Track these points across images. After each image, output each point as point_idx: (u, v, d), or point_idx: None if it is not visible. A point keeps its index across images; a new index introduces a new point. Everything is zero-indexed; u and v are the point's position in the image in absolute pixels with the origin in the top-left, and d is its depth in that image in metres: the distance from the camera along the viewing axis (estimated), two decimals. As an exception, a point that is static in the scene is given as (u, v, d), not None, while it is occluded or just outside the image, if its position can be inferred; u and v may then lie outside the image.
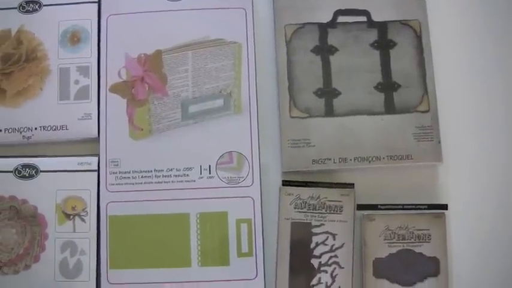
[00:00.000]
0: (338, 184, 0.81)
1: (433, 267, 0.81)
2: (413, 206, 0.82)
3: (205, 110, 0.84)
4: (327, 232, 0.80)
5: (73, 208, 0.82)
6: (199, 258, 0.81)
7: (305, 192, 0.81)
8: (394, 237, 0.81)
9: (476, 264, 0.83)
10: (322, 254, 0.80)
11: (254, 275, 0.80)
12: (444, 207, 0.82)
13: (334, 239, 0.80)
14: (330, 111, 0.83)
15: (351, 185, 0.81)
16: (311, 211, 0.80)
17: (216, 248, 0.81)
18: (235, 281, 0.80)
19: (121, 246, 0.81)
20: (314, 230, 0.80)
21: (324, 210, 0.80)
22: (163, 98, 0.84)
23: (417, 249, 0.81)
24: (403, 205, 0.82)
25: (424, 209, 0.82)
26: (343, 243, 0.80)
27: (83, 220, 0.82)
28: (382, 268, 0.81)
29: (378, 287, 0.80)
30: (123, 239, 0.81)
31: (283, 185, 0.81)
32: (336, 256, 0.80)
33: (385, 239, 0.81)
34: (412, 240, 0.81)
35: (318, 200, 0.80)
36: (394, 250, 0.81)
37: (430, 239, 0.81)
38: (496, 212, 0.84)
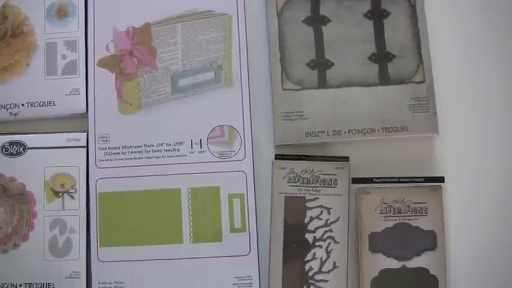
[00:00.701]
0: (332, 157, 0.80)
1: (430, 241, 0.79)
2: (410, 179, 0.81)
3: (196, 84, 0.82)
4: (321, 206, 0.79)
5: (62, 185, 0.81)
6: (191, 234, 0.79)
7: (299, 166, 0.79)
8: (390, 211, 0.79)
9: (474, 237, 0.81)
10: (316, 228, 0.78)
11: (247, 251, 0.79)
12: (441, 179, 0.81)
13: (329, 213, 0.78)
14: (323, 83, 0.82)
15: (345, 158, 0.80)
16: (305, 185, 0.79)
17: (208, 223, 0.79)
18: (228, 257, 0.79)
19: (111, 224, 0.80)
20: (308, 204, 0.79)
21: (318, 184, 0.79)
22: (153, 71, 0.82)
23: (414, 223, 0.79)
24: (398, 178, 0.81)
25: (421, 182, 0.81)
26: (338, 218, 0.78)
27: (72, 197, 0.81)
28: (378, 242, 0.79)
29: (373, 261, 0.79)
30: (113, 216, 0.80)
31: (276, 158, 0.80)
32: (330, 231, 0.78)
33: (380, 213, 0.79)
34: (409, 213, 0.79)
35: (312, 173, 0.79)
36: (390, 224, 0.79)
37: (427, 213, 0.79)
38: (494, 184, 0.82)
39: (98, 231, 0.80)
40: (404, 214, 0.79)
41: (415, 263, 0.79)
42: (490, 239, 0.81)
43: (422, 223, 0.79)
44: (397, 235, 0.79)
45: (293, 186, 0.79)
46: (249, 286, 0.78)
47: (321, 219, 0.78)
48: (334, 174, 0.79)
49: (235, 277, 0.79)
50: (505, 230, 0.82)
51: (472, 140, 0.83)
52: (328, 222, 0.78)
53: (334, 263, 0.78)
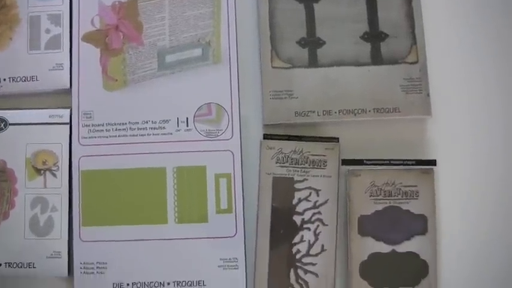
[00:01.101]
0: (322, 138, 0.78)
1: (420, 225, 0.78)
2: (401, 162, 0.79)
3: (183, 60, 0.80)
4: (310, 188, 0.77)
5: (44, 163, 0.79)
6: (176, 214, 0.77)
7: (287, 146, 0.77)
8: (380, 194, 0.78)
9: (466, 222, 0.80)
10: (305, 210, 0.76)
11: (233, 232, 0.77)
12: (433, 162, 0.79)
13: (318, 195, 0.76)
14: (313, 62, 0.80)
15: (335, 139, 0.78)
16: (293, 166, 0.77)
17: (194, 204, 0.78)
18: (214, 238, 0.77)
19: (94, 203, 0.78)
20: (297, 186, 0.77)
21: (307, 165, 0.77)
22: (139, 47, 0.80)
23: (404, 207, 0.78)
24: (389, 160, 0.79)
25: (412, 164, 0.79)
26: (327, 200, 0.76)
27: (54, 175, 0.79)
28: (367, 226, 0.78)
29: (362, 245, 0.77)
30: (96, 195, 0.78)
31: (264, 138, 0.78)
32: (319, 213, 0.76)
33: (370, 196, 0.78)
34: (399, 197, 0.78)
35: (301, 154, 0.77)
36: (380, 207, 0.78)
37: (418, 196, 0.78)
38: (486, 167, 0.81)
39: (80, 210, 0.78)
40: (395, 197, 0.78)
41: (405, 247, 0.77)
42: (482, 224, 0.80)
43: (413, 207, 0.78)
44: (387, 218, 0.78)
45: (281, 166, 0.77)
46: (234, 268, 0.77)
47: (309, 201, 0.76)
48: (324, 155, 0.77)
49: (220, 259, 0.77)
50: (497, 215, 0.80)
51: (466, 122, 0.82)
52: (317, 204, 0.76)
53: (323, 246, 0.76)
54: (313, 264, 0.76)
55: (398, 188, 0.78)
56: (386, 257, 0.77)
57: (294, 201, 0.77)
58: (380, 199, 0.78)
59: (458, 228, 0.80)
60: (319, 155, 0.77)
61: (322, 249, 0.76)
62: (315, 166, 0.77)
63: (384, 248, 0.77)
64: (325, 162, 0.77)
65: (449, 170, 0.80)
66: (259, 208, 0.77)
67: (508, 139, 0.81)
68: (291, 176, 0.77)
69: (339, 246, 0.77)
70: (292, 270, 0.76)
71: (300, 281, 0.76)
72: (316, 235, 0.76)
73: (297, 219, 0.76)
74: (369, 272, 0.77)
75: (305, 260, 0.76)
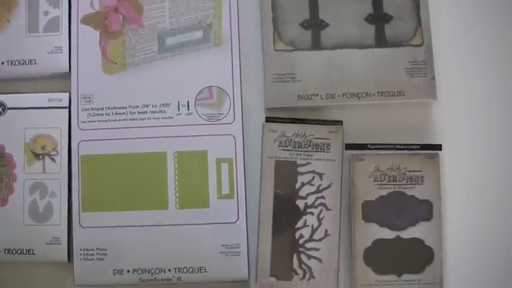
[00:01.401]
0: (325, 121, 0.77)
1: (425, 210, 0.76)
2: (406, 146, 0.78)
3: (184, 43, 0.79)
4: (313, 171, 0.75)
5: (43, 147, 0.78)
6: (177, 200, 0.76)
7: (290, 129, 0.76)
8: (385, 179, 0.77)
9: (471, 207, 0.79)
10: (308, 194, 0.75)
11: (235, 218, 0.76)
12: (438, 147, 0.78)
13: (321, 179, 0.75)
14: (317, 44, 0.78)
15: (339, 122, 0.76)
16: (296, 149, 0.75)
17: (195, 189, 0.76)
18: (215, 224, 0.76)
19: (94, 188, 0.77)
20: (299, 169, 0.75)
21: (310, 148, 0.75)
22: (139, 29, 0.79)
23: (409, 192, 0.77)
24: (394, 145, 0.78)
25: (417, 149, 0.78)
26: (331, 184, 0.75)
27: (53, 160, 0.78)
28: (371, 211, 0.76)
29: (366, 231, 0.76)
30: (96, 180, 0.77)
31: (266, 121, 0.77)
32: (322, 197, 0.75)
33: (375, 181, 0.77)
34: (404, 182, 0.77)
35: (303, 137, 0.75)
36: (384, 192, 0.77)
37: (423, 181, 0.77)
38: (493, 152, 0.79)
39: (79, 195, 0.77)
40: (400, 182, 0.77)
41: (409, 233, 0.76)
42: (488, 209, 0.79)
43: (418, 192, 0.76)
44: (392, 204, 0.77)
45: (284, 150, 0.76)
46: (236, 254, 0.76)
47: (312, 185, 0.75)
48: (327, 139, 0.76)
49: (222, 245, 0.76)
50: (503, 200, 0.79)
51: (471, 106, 0.80)
52: (320, 188, 0.75)
53: (326, 230, 0.75)
54: (317, 250, 0.75)
55: (403, 173, 0.77)
56: (390, 243, 0.76)
57: (297, 186, 0.75)
58: (384, 184, 0.77)
59: (463, 213, 0.78)
60: (323, 138, 0.76)
61: (326, 234, 0.75)
62: (318, 149, 0.75)
63: (389, 234, 0.76)
64: (329, 145, 0.76)
65: (455, 155, 0.79)
66: (261, 193, 0.75)
67: (516, 123, 0.80)
68: (293, 160, 0.76)
69: (343, 232, 0.76)
70: (295, 256, 0.75)
71: (303, 266, 0.75)
72: (319, 220, 0.75)
73: (300, 203, 0.75)
74: (373, 259, 0.76)
75: (308, 245, 0.75)
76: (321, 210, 0.75)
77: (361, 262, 0.76)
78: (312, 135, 0.76)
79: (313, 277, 0.75)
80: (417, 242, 0.76)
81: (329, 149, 0.75)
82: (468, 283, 0.78)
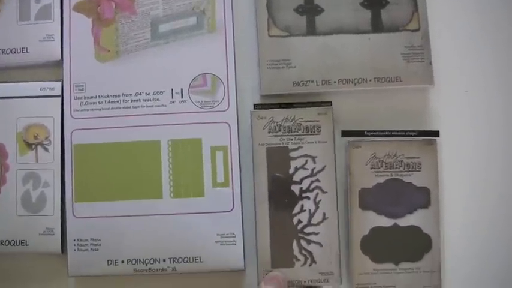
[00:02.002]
0: (314, 103, 0.75)
1: (423, 198, 0.75)
2: (403, 133, 0.77)
3: (177, 29, 0.77)
4: (305, 155, 0.74)
5: (35, 137, 0.77)
6: (171, 189, 0.75)
7: (279, 114, 0.74)
8: (382, 166, 0.75)
9: (470, 194, 0.78)
10: (302, 179, 0.74)
11: (231, 206, 0.75)
12: (436, 133, 0.77)
13: (314, 162, 0.74)
14: (312, 30, 0.77)
15: (327, 103, 0.75)
16: (287, 134, 0.74)
17: (189, 178, 0.75)
18: (210, 213, 0.75)
19: (87, 177, 0.76)
20: (292, 154, 0.74)
21: (300, 132, 0.74)
22: (132, 16, 0.78)
23: (406, 179, 0.75)
24: (391, 131, 0.77)
25: (414, 135, 0.77)
26: (324, 166, 0.74)
27: (46, 150, 0.77)
28: (368, 199, 0.75)
29: (363, 219, 0.75)
30: (90, 170, 0.76)
31: (254, 108, 0.75)
32: (317, 180, 0.74)
33: (371, 168, 0.75)
34: (401, 169, 0.75)
35: (293, 121, 0.74)
36: (381, 180, 0.75)
37: (421, 168, 0.75)
38: (492, 138, 0.78)
39: (73, 185, 0.76)
40: (397, 169, 0.75)
41: (407, 221, 0.75)
42: (487, 196, 0.78)
43: (416, 179, 0.75)
44: (389, 191, 0.75)
45: (275, 136, 0.74)
46: (232, 244, 0.75)
47: (306, 169, 0.74)
48: (317, 121, 0.74)
49: (217, 234, 0.75)
50: (503, 186, 0.78)
51: (470, 92, 0.79)
52: (314, 171, 0.74)
53: (324, 214, 0.74)
54: (316, 234, 0.73)
55: (400, 160, 0.76)
56: (388, 231, 0.75)
57: (291, 171, 0.74)
58: (381, 171, 0.75)
59: (462, 201, 0.77)
60: (312, 120, 0.74)
61: (324, 218, 0.74)
62: (309, 132, 0.74)
63: (386, 222, 0.75)
64: (319, 127, 0.74)
65: (453, 141, 0.78)
66: (255, 181, 0.74)
67: (513, 109, 0.79)
68: (285, 145, 0.74)
69: (340, 220, 0.75)
70: (295, 242, 0.74)
71: (303, 251, 0.74)
72: (316, 203, 0.74)
73: (295, 188, 0.74)
74: (371, 247, 0.75)
75: (307, 230, 0.74)
76: (317, 194, 0.74)
77: (358, 251, 0.75)
78: (302, 118, 0.74)
79: (315, 262, 0.74)
80: (415, 229, 0.75)
81: (320, 131, 0.74)
82: (467, 271, 0.77)
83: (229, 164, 0.75)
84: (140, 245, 0.75)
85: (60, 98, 0.77)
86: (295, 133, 0.74)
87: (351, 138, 0.76)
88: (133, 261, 0.75)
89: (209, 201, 0.75)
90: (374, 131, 0.77)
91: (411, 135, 0.77)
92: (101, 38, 0.77)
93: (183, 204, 0.75)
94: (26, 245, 0.76)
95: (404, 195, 0.75)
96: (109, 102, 0.76)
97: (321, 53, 0.76)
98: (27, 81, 0.78)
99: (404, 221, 0.75)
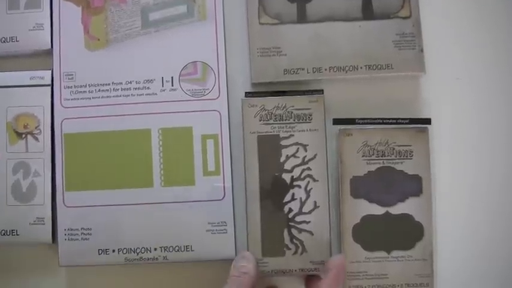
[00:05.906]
0: (306, 91, 0.75)
1: (415, 186, 0.75)
2: (394, 120, 0.76)
3: (167, 17, 0.77)
4: (296, 143, 0.74)
5: (25, 126, 0.76)
6: (162, 177, 0.75)
7: (270, 102, 0.74)
8: (373, 154, 0.75)
9: (462, 182, 0.77)
10: (293, 167, 0.74)
11: (222, 195, 0.75)
12: (427, 121, 0.76)
13: (306, 150, 0.74)
14: (302, 17, 0.77)
15: (319, 91, 0.75)
16: (278, 122, 0.74)
17: (180, 166, 0.75)
18: (201, 202, 0.75)
19: (78, 167, 0.76)
20: (283, 143, 0.74)
21: (292, 120, 0.74)
22: (121, 4, 0.77)
23: (398, 167, 0.75)
24: (382, 119, 0.76)
25: (406, 123, 0.76)
26: (316, 154, 0.73)
27: (36, 139, 0.76)
28: (360, 187, 0.75)
29: (355, 207, 0.75)
30: (80, 159, 0.76)
31: (245, 96, 0.75)
32: (309, 168, 0.73)
33: (363, 156, 0.75)
34: (393, 156, 0.75)
35: (284, 109, 0.74)
36: (373, 168, 0.75)
37: (412, 156, 0.75)
38: (483, 126, 0.78)
39: (63, 174, 0.75)
40: (388, 157, 0.75)
41: (399, 209, 0.75)
42: (479, 184, 0.77)
43: (407, 167, 0.75)
44: (381, 179, 0.75)
45: (266, 124, 0.74)
46: (223, 232, 0.74)
47: (297, 157, 0.74)
48: (309, 109, 0.74)
49: (208, 223, 0.74)
50: (493, 175, 0.78)
51: (461, 79, 0.79)
52: (306, 159, 0.74)
53: (315, 202, 0.73)
54: (307, 222, 0.73)
55: (391, 148, 0.75)
56: (379, 219, 0.75)
57: (282, 159, 0.74)
58: (373, 159, 0.75)
59: (454, 188, 0.77)
60: (304, 108, 0.74)
61: (315, 206, 0.73)
62: (300, 120, 0.74)
63: (378, 210, 0.75)
64: (310, 115, 0.74)
65: (445, 129, 0.77)
66: (246, 169, 0.74)
67: (506, 95, 0.78)
68: (276, 133, 0.74)
69: (332, 208, 0.74)
70: (285, 231, 0.73)
71: (295, 240, 0.73)
72: (307, 192, 0.73)
73: (286, 177, 0.74)
74: (362, 235, 0.75)
75: (298, 218, 0.73)
76: (308, 182, 0.73)
77: (350, 239, 0.75)
78: (293, 106, 0.74)
79: (306, 251, 0.73)
80: (407, 217, 0.75)
81: (311, 119, 0.74)
82: (459, 259, 0.77)
83: (220, 152, 0.75)
84: (131, 234, 0.75)
85: (50, 87, 0.77)
86: (287, 121, 0.74)
87: (342, 126, 0.76)
88: (124, 251, 0.74)
89: (200, 190, 0.75)
90: (365, 119, 0.76)
91: (403, 123, 0.76)
92: (91, 27, 0.77)
93: (173, 192, 0.75)
94: (17, 234, 0.75)
95: (396, 183, 0.75)
96: (99, 91, 0.76)
97: (312, 40, 0.76)
98: (17, 71, 0.77)
99: (396, 209, 0.75)
